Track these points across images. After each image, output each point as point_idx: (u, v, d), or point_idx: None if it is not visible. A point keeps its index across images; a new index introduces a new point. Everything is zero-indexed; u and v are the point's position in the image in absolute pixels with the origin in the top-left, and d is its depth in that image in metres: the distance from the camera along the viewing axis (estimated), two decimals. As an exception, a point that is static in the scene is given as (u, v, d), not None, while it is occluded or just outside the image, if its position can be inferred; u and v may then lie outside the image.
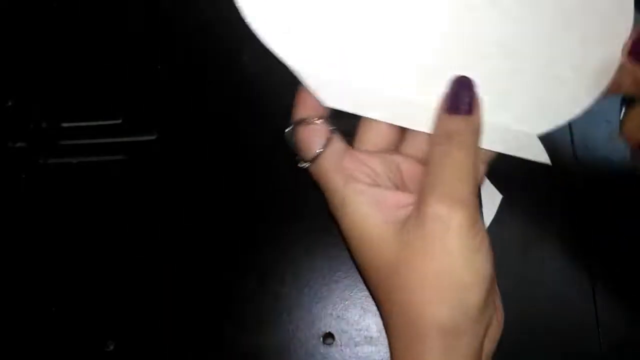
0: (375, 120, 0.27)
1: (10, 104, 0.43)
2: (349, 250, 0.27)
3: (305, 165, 0.27)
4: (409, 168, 0.27)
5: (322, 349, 0.37)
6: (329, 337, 0.37)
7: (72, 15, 0.44)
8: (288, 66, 0.26)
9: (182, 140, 0.41)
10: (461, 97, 0.25)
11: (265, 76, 0.42)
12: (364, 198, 0.25)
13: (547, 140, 0.28)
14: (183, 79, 0.42)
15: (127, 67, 0.43)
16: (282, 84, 0.42)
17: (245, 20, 0.25)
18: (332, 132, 0.26)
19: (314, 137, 0.26)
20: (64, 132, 0.42)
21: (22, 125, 0.42)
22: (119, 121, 0.42)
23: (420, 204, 0.24)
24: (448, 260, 0.23)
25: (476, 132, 0.25)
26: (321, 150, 0.26)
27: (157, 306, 0.38)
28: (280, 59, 0.26)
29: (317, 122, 0.26)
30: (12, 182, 0.41)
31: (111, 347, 0.37)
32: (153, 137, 0.41)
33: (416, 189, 0.26)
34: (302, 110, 0.27)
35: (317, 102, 0.26)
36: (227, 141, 0.41)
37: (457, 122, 0.25)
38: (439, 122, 0.25)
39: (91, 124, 0.42)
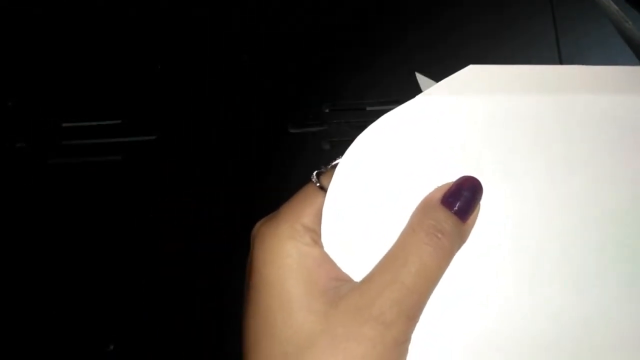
0: None
1: (10, 104, 0.43)
2: (247, 301, 0.23)
3: (314, 180, 0.23)
4: None
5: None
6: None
7: (72, 15, 0.44)
8: None
9: (182, 140, 0.41)
10: (464, 197, 0.21)
11: (266, 76, 0.42)
12: (313, 255, 0.21)
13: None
14: (183, 79, 0.42)
15: (127, 67, 0.43)
16: (282, 84, 0.42)
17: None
18: None
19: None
20: (65, 132, 0.42)
21: (23, 125, 0.42)
22: (119, 121, 0.42)
23: (365, 294, 0.20)
24: None
25: (461, 244, 0.21)
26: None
27: (157, 307, 0.38)
28: None
29: None
30: (12, 182, 0.41)
31: (111, 348, 0.37)
32: (153, 138, 0.41)
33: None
34: None
35: None
36: (227, 141, 0.41)
37: (450, 221, 0.21)
38: (429, 208, 0.21)
39: (91, 124, 0.42)
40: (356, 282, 0.21)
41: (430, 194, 0.21)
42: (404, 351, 0.20)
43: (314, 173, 0.23)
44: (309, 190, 0.23)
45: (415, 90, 0.40)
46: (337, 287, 0.21)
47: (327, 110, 0.41)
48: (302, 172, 0.41)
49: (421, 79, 0.37)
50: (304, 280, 0.21)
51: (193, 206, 0.40)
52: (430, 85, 0.26)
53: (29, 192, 0.41)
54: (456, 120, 0.23)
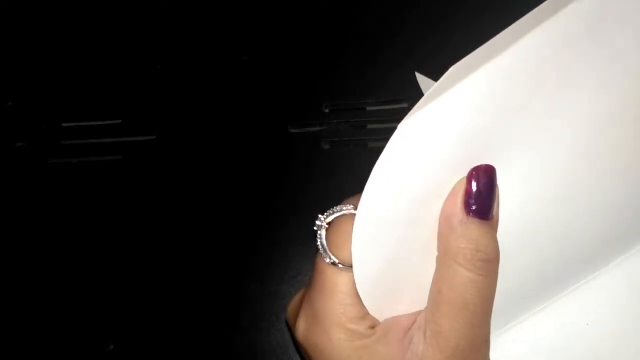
0: None
1: (10, 104, 0.43)
2: None
3: (321, 255, 0.22)
4: None
5: (322, 349, 0.37)
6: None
7: (72, 15, 0.44)
8: None
9: (182, 140, 0.41)
10: (482, 191, 0.19)
11: (265, 76, 0.42)
12: (377, 339, 0.21)
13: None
14: (183, 79, 0.42)
15: (127, 67, 0.43)
16: (282, 84, 0.42)
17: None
18: None
19: (350, 242, 0.21)
20: (64, 132, 0.42)
21: (22, 125, 0.42)
22: (119, 121, 0.42)
23: (444, 353, 0.20)
24: None
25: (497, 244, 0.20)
26: (345, 264, 0.21)
27: (157, 306, 0.38)
28: None
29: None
30: (12, 182, 0.41)
31: (111, 348, 0.37)
32: (153, 137, 0.41)
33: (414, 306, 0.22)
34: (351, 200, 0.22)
35: None
36: (227, 141, 0.41)
37: (487, 232, 0.19)
38: (453, 225, 0.19)
39: (91, 124, 0.42)
40: (423, 334, 0.21)
41: (448, 203, 0.20)
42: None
43: (320, 247, 0.21)
44: (329, 276, 0.22)
45: (415, 90, 0.40)
46: (412, 350, 0.21)
47: (327, 110, 0.41)
48: (302, 172, 0.41)
49: (421, 79, 0.37)
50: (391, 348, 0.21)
51: (193, 206, 0.40)
52: (431, 86, 0.25)
53: (29, 192, 0.41)
54: (455, 117, 0.21)
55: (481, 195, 0.19)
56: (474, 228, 0.19)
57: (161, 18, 0.44)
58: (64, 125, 0.42)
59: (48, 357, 0.38)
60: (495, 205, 0.20)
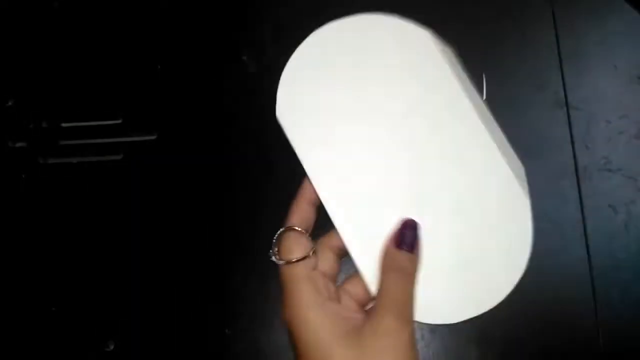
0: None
1: (10, 104, 0.43)
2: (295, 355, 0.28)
3: (278, 262, 0.30)
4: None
5: (322, 349, 0.37)
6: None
7: (73, 15, 0.44)
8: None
9: (182, 140, 0.41)
10: (408, 236, 0.30)
11: (265, 76, 0.42)
12: (323, 310, 0.28)
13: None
14: (183, 79, 0.42)
15: (127, 67, 0.43)
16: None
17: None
18: (311, 247, 0.30)
19: (295, 246, 0.30)
20: (64, 132, 0.42)
21: (22, 125, 0.42)
22: (119, 121, 0.42)
23: (374, 319, 0.28)
24: None
25: (417, 266, 0.30)
26: (297, 258, 0.29)
27: (157, 307, 0.38)
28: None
29: (302, 232, 0.30)
30: (12, 182, 0.41)
31: (111, 347, 0.37)
32: (153, 137, 0.41)
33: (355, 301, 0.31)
34: (293, 219, 0.31)
35: (309, 216, 0.31)
36: (227, 141, 0.41)
37: (405, 258, 0.29)
38: (390, 255, 0.29)
39: (91, 124, 0.42)
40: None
41: (387, 241, 0.30)
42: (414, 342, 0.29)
43: (274, 258, 0.30)
44: (284, 271, 0.29)
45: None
46: (351, 326, 0.28)
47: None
48: (302, 172, 0.41)
49: None
50: (334, 330, 0.28)
51: (192, 206, 0.40)
52: None
53: (28, 192, 0.41)
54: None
55: (407, 237, 0.30)
56: (400, 255, 0.29)
57: (161, 18, 0.44)
58: (64, 125, 0.42)
59: (48, 356, 0.38)
60: (411, 244, 0.30)
